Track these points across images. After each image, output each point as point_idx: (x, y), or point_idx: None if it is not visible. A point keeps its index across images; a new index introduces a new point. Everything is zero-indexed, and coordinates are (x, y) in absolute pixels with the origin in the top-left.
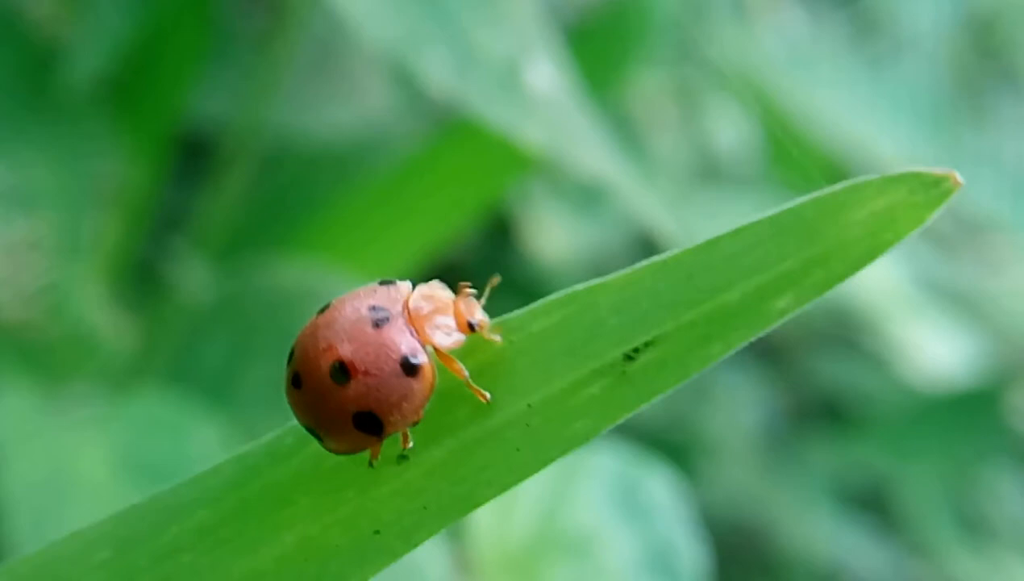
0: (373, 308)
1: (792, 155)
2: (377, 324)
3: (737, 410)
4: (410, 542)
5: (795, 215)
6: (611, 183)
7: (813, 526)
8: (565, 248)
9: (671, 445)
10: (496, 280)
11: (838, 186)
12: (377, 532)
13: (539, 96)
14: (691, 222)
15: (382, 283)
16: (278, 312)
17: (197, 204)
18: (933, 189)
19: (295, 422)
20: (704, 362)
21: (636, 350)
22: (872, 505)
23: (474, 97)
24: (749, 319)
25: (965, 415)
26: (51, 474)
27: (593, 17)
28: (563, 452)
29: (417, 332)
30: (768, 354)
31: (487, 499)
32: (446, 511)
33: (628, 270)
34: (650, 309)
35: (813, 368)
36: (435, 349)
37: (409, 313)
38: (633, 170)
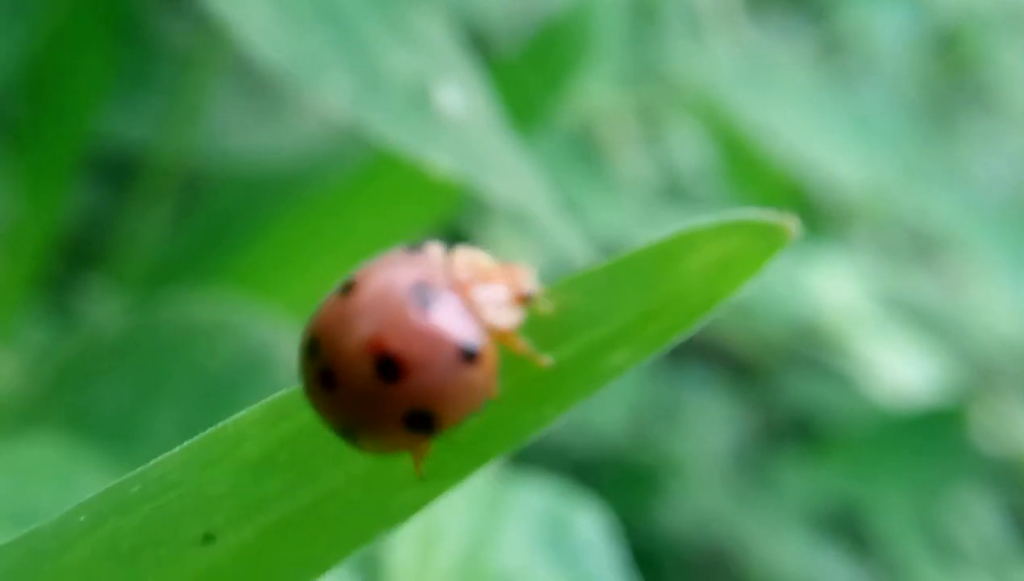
0: (417, 285)
1: (749, 174)
2: (425, 305)
3: (706, 430)
4: None
5: (632, 264)
6: (526, 210)
7: (785, 547)
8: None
9: (639, 466)
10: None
11: (671, 233)
12: None
13: (450, 120)
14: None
15: (411, 249)
16: (189, 349)
17: (117, 234)
18: (767, 237)
19: (89, 495)
20: (538, 424)
21: None
22: (844, 525)
23: (378, 120)
24: (584, 376)
25: (931, 435)
26: None
27: (531, 33)
28: (388, 526)
29: (472, 310)
30: (737, 373)
31: None
32: None
33: None
34: None
35: (783, 387)
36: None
37: (458, 287)
38: (552, 197)
